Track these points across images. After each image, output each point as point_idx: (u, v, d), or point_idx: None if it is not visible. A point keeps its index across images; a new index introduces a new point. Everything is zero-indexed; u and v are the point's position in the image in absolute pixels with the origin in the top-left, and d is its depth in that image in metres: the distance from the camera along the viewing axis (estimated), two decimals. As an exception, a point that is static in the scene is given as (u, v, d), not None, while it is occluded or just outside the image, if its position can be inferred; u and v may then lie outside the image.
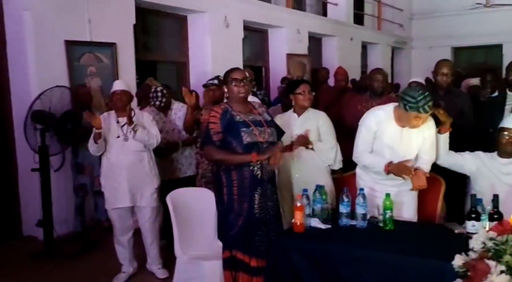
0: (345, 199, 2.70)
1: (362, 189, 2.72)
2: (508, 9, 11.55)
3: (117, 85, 3.66)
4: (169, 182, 3.99)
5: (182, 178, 4.28)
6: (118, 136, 3.54)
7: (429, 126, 2.92)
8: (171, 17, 6.48)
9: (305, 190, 2.76)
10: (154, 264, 3.79)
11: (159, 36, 6.49)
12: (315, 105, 5.03)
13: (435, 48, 12.41)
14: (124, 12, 5.33)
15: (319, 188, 2.80)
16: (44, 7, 4.57)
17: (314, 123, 3.41)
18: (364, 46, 11.16)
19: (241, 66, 7.00)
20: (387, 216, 2.62)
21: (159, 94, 4.16)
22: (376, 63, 11.39)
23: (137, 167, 3.60)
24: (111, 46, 5.17)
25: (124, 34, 5.35)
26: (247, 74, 2.89)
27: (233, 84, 2.76)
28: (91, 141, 3.53)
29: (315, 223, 2.69)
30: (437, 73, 3.82)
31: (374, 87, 4.12)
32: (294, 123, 3.42)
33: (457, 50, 12.94)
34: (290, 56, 8.20)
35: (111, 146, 3.57)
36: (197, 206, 3.27)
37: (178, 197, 3.25)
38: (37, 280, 3.82)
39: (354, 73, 8.94)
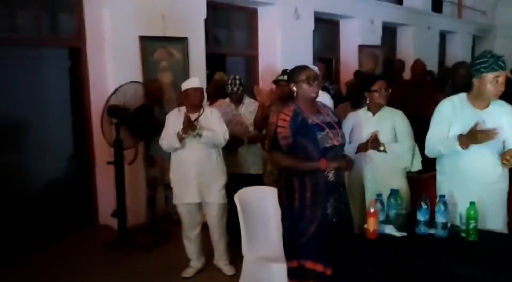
0: (424, 206, 2.51)
1: (443, 196, 2.51)
2: None
3: (190, 83, 3.67)
4: (232, 176, 3.96)
5: (246, 174, 4.24)
6: (184, 138, 3.55)
7: (507, 111, 2.73)
8: (240, 10, 6.45)
9: (379, 195, 2.61)
10: (221, 260, 3.80)
11: (229, 30, 6.50)
12: (389, 100, 4.86)
13: (523, 37, 11.48)
14: (195, 7, 5.36)
15: (394, 193, 2.64)
16: (121, 4, 4.70)
17: (390, 123, 3.20)
18: (443, 36, 10.52)
19: (311, 60, 6.87)
20: (471, 226, 2.41)
21: (237, 82, 4.15)
22: (455, 54, 10.76)
23: (206, 163, 3.61)
24: (183, 40, 5.23)
25: (195, 28, 5.39)
26: (317, 72, 2.77)
27: (304, 83, 2.63)
28: (168, 137, 3.56)
29: (389, 230, 2.54)
30: None
31: (457, 82, 3.81)
32: (368, 123, 3.23)
33: (548, 38, 11.84)
34: (362, 47, 7.90)
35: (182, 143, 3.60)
36: (265, 205, 3.22)
37: (247, 195, 3.22)
38: (110, 268, 3.98)
39: (431, 65, 8.46)
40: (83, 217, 5.07)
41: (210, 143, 3.57)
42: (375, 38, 8.21)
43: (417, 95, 4.78)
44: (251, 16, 6.55)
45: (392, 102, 4.62)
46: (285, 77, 3.91)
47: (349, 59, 7.89)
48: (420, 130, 3.34)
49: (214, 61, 6.02)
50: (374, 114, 3.26)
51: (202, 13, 5.46)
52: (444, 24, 10.25)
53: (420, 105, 4.20)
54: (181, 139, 3.51)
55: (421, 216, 2.52)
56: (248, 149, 4.20)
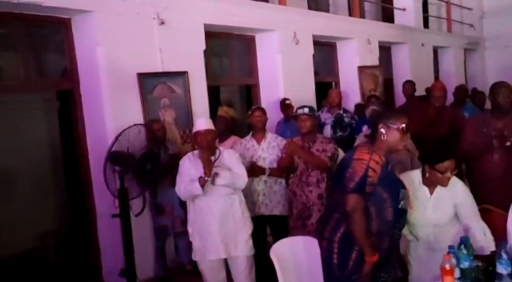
0: (504, 256, 2.16)
1: (528, 244, 2.16)
2: None
3: (201, 124, 3.33)
4: (253, 219, 3.57)
5: (269, 216, 3.87)
6: (207, 181, 3.17)
7: None
8: (238, 38, 6.15)
9: (451, 247, 2.24)
10: (251, 322, 3.37)
11: (227, 60, 6.18)
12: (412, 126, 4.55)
13: (512, 47, 11.45)
14: (194, 38, 5.04)
15: (465, 241, 2.28)
16: (115, 41, 4.34)
17: (450, 202, 2.68)
18: (435, 51, 10.40)
19: (313, 85, 6.60)
20: None
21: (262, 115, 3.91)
22: (449, 68, 10.67)
23: (229, 212, 3.23)
24: (183, 75, 4.88)
25: (195, 61, 5.05)
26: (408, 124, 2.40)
27: (399, 132, 2.31)
28: (185, 184, 3.19)
29: (468, 288, 2.17)
30: None
31: (499, 103, 3.48)
32: (423, 202, 2.71)
33: (537, 48, 11.84)
34: (361, 68, 7.66)
35: None
36: (306, 259, 2.82)
37: (284, 248, 2.83)
38: None
39: (427, 82, 8.25)
40: (84, 276, 4.58)
41: (228, 185, 3.19)
42: (373, 58, 7.99)
43: (439, 120, 4.48)
44: (249, 44, 6.25)
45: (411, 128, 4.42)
46: (306, 110, 3.60)
47: (349, 81, 7.63)
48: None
49: (210, 93, 5.67)
50: (431, 193, 2.72)
51: (201, 44, 5.13)
52: (436, 39, 10.14)
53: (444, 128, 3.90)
54: (203, 184, 3.12)
55: (503, 269, 2.16)
56: (271, 187, 3.83)
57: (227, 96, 7.53)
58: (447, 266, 2.10)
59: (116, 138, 3.74)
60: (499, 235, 2.65)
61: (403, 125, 2.31)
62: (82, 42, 4.37)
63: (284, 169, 3.71)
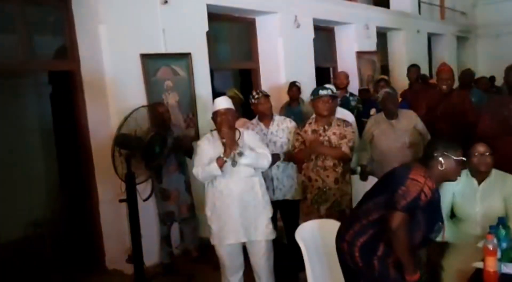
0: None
1: None
2: None
3: (220, 104, 3.18)
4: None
5: (282, 200, 3.79)
6: (226, 161, 3.05)
7: None
8: (238, 21, 5.99)
9: (492, 228, 2.18)
10: (269, 307, 3.29)
11: (227, 43, 6.03)
12: (413, 108, 4.49)
13: (503, 36, 11.55)
14: (197, 19, 4.88)
15: (502, 221, 2.22)
16: (118, 19, 4.16)
17: (500, 195, 2.68)
18: (428, 38, 10.39)
19: (313, 69, 6.50)
20: None
21: (265, 97, 3.78)
22: (442, 55, 10.68)
23: (249, 195, 3.13)
24: (186, 56, 4.73)
25: (198, 42, 4.89)
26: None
27: (459, 165, 2.27)
28: (204, 165, 3.06)
29: (510, 269, 2.11)
30: None
31: None
32: (473, 195, 2.74)
33: (528, 37, 11.94)
34: (359, 54, 7.58)
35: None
36: (327, 240, 2.74)
37: (308, 231, 2.74)
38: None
39: (422, 69, 8.23)
40: (87, 262, 4.44)
41: (253, 165, 3.09)
42: (371, 44, 7.93)
43: (447, 103, 4.42)
44: (250, 27, 6.10)
45: (417, 111, 4.36)
46: (329, 91, 3.49)
47: (347, 67, 7.49)
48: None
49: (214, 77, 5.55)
50: (480, 183, 2.76)
51: (204, 26, 4.97)
52: (431, 26, 10.12)
53: (471, 117, 3.89)
54: (221, 165, 3.00)
55: (544, 249, 2.11)
56: (284, 172, 3.74)
57: (222, 81, 7.39)
58: (491, 247, 2.04)
59: (125, 120, 3.59)
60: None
61: (462, 158, 2.27)
62: (83, 20, 4.18)
63: (300, 160, 3.61)
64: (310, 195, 3.54)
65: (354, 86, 7.25)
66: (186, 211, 4.22)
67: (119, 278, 4.17)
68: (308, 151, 3.50)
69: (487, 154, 2.71)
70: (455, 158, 2.25)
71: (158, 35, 4.49)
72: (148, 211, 4.24)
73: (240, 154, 3.01)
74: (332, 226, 2.75)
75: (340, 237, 2.42)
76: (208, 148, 3.12)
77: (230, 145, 2.97)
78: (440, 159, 2.25)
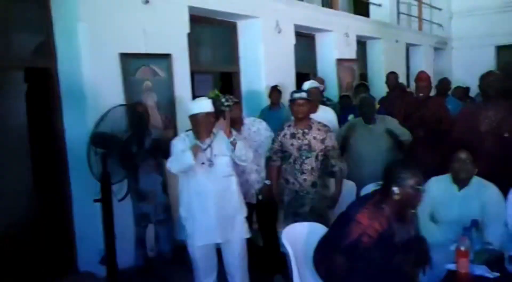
0: (516, 239, 2.15)
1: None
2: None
3: (200, 107, 3.14)
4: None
5: (258, 201, 3.78)
6: (203, 163, 3.03)
7: None
8: (220, 24, 5.99)
9: (466, 229, 2.21)
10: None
11: (209, 46, 6.01)
12: (390, 114, 4.55)
13: (477, 48, 11.82)
14: (178, 21, 4.85)
15: (475, 224, 2.26)
16: (98, 17, 4.10)
17: (478, 202, 2.70)
18: (407, 48, 10.57)
19: (294, 75, 6.53)
20: None
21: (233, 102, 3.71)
22: (419, 66, 10.82)
23: (226, 195, 3.12)
24: (167, 57, 4.69)
25: (179, 44, 4.87)
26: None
27: (412, 190, 2.22)
28: (177, 156, 3.05)
29: (481, 271, 2.14)
30: None
31: (488, 92, 3.53)
32: (453, 200, 2.76)
33: (501, 49, 12.27)
34: (339, 61, 7.66)
35: (194, 173, 3.08)
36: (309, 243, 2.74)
37: (292, 234, 2.74)
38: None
39: (400, 78, 8.37)
40: (59, 264, 4.33)
41: (241, 156, 3.11)
42: (350, 52, 8.02)
43: (424, 109, 4.51)
44: (231, 31, 6.11)
45: (395, 117, 4.43)
46: (303, 94, 3.52)
47: (327, 74, 7.61)
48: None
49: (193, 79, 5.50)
50: (460, 189, 2.80)
51: (185, 27, 4.95)
52: (409, 37, 10.31)
53: (447, 124, 4.01)
54: (196, 152, 2.99)
55: (515, 251, 2.15)
56: (261, 173, 3.73)
57: (203, 84, 7.35)
58: (463, 248, 2.07)
59: (101, 118, 3.54)
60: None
61: (416, 181, 2.23)
62: (61, 18, 4.11)
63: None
64: (287, 197, 3.54)
65: (333, 93, 7.35)
66: (162, 212, 4.17)
67: (91, 281, 4.08)
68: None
69: (468, 161, 2.74)
70: (408, 184, 2.21)
71: (138, 35, 4.44)
72: (123, 212, 4.15)
73: (233, 142, 3.02)
74: (319, 229, 2.76)
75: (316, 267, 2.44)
76: (182, 147, 3.10)
77: (227, 132, 3.00)
78: (394, 189, 2.22)
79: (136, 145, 3.71)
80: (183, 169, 3.07)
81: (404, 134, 3.94)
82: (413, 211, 2.33)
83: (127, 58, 4.31)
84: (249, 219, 3.81)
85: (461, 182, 2.80)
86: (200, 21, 5.57)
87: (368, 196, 2.41)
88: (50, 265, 4.28)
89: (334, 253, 2.23)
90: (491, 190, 2.77)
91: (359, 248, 2.16)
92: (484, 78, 3.55)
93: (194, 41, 5.56)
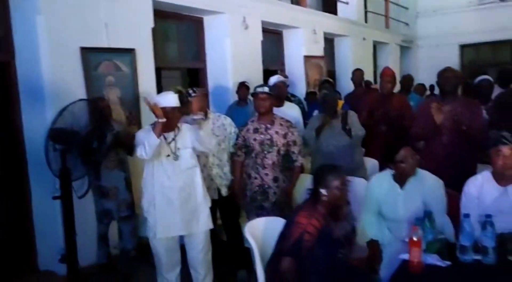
0: (467, 229, 2.21)
1: (489, 216, 2.23)
2: (517, 3, 11.31)
3: (167, 101, 3.10)
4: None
5: (221, 197, 3.77)
6: (168, 155, 3.02)
7: None
8: (185, 19, 5.94)
9: (418, 219, 2.26)
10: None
11: (174, 42, 5.95)
12: (355, 110, 4.61)
13: (442, 46, 12.12)
14: (142, 15, 4.78)
15: (428, 215, 2.32)
16: (58, 10, 4.00)
17: (420, 196, 2.74)
18: (374, 46, 10.74)
19: (261, 71, 6.54)
20: (526, 249, 2.13)
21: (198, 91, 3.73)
22: (386, 63, 10.98)
23: (190, 187, 3.12)
24: (130, 52, 4.62)
25: (143, 39, 4.80)
26: (346, 176, 2.55)
27: (337, 190, 2.44)
28: (144, 141, 3.02)
29: (433, 260, 2.19)
30: None
31: (445, 87, 3.62)
32: (397, 198, 2.80)
33: (464, 48, 12.62)
34: (307, 58, 7.72)
35: (159, 166, 3.07)
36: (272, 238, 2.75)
37: (255, 228, 2.75)
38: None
39: (367, 76, 8.51)
40: (18, 262, 4.21)
41: (205, 143, 3.13)
42: (318, 49, 8.09)
43: (387, 104, 4.59)
44: (197, 27, 6.07)
45: (360, 111, 4.49)
46: (265, 89, 3.53)
47: (295, 70, 7.67)
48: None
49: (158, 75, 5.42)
50: (402, 187, 2.82)
51: (150, 22, 4.89)
52: (376, 35, 10.47)
53: (406, 119, 4.11)
54: (159, 130, 2.96)
55: (466, 241, 2.21)
56: (222, 169, 3.72)
57: (169, 80, 7.29)
58: (415, 238, 2.12)
59: (60, 113, 3.46)
60: (452, 214, 2.74)
61: (341, 182, 2.44)
62: (19, 10, 4.00)
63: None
64: (250, 192, 3.55)
65: (301, 90, 7.40)
66: (125, 209, 4.11)
67: (51, 279, 3.99)
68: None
69: (412, 157, 2.75)
70: (332, 185, 2.43)
71: (100, 28, 4.36)
72: (85, 209, 4.07)
73: (202, 120, 3.08)
74: (281, 224, 2.76)
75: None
76: (147, 137, 3.06)
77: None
78: (322, 191, 2.44)
79: (97, 140, 3.63)
80: (151, 151, 3.00)
81: (359, 130, 3.98)
82: (345, 209, 2.53)
83: (88, 53, 4.23)
84: (212, 215, 3.81)
85: (402, 180, 2.80)
86: (165, 16, 5.52)
87: (305, 200, 2.61)
88: (9, 264, 4.16)
89: (281, 256, 2.38)
90: (431, 183, 2.79)
91: (302, 247, 2.31)
92: (442, 74, 3.63)
93: (159, 36, 5.51)
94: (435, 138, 3.54)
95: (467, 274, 2.12)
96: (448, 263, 2.20)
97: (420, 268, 2.12)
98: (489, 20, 11.41)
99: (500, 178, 2.61)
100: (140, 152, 3.03)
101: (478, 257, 2.21)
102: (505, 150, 2.52)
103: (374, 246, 2.80)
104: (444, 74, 3.62)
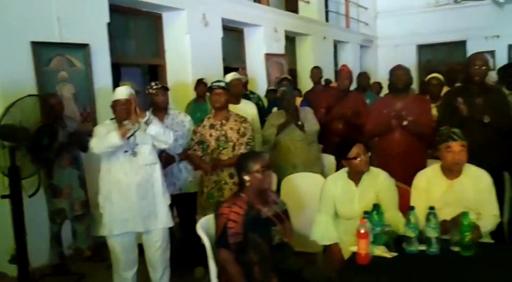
0: (412, 220, 2.27)
1: (432, 208, 2.30)
2: (471, 5, 11.71)
3: (120, 93, 3.05)
4: None
5: (178, 194, 3.74)
6: (126, 151, 2.98)
7: (482, 178, 2.68)
8: (144, 15, 5.85)
9: (367, 213, 2.31)
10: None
11: (133, 38, 5.85)
12: (311, 107, 4.66)
13: (400, 46, 12.42)
14: (96, 9, 4.68)
15: (377, 208, 2.37)
16: (6, 3, 3.87)
17: (374, 192, 2.79)
18: (335, 45, 10.91)
19: (221, 68, 6.51)
20: (467, 239, 2.21)
21: (161, 89, 3.68)
22: (346, 62, 11.15)
23: (148, 183, 3.06)
24: (84, 47, 4.51)
25: (98, 34, 4.70)
26: (267, 160, 2.65)
27: (259, 174, 2.50)
28: (102, 138, 2.96)
29: (380, 251, 2.25)
30: (471, 65, 3.41)
31: (397, 85, 3.71)
32: (352, 195, 2.83)
33: (421, 48, 12.98)
34: (268, 56, 7.75)
35: (116, 162, 3.01)
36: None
37: (209, 224, 2.73)
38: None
39: (328, 74, 8.63)
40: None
41: (159, 135, 3.02)
42: (279, 47, 8.13)
43: (344, 102, 4.67)
44: (156, 23, 5.98)
45: (317, 109, 4.56)
46: (221, 84, 3.53)
47: (256, 68, 7.69)
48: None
49: (116, 71, 5.32)
50: (356, 184, 2.85)
51: (105, 16, 4.79)
52: (337, 34, 10.62)
53: (359, 116, 4.22)
54: (124, 133, 2.90)
55: (411, 232, 2.27)
56: (178, 164, 3.70)
57: (129, 76, 7.16)
58: (362, 230, 2.16)
59: (7, 109, 3.34)
60: (404, 208, 2.81)
61: (261, 165, 2.51)
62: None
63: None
64: (207, 189, 3.53)
65: (262, 88, 7.42)
66: (79, 208, 4.03)
67: (2, 281, 3.85)
68: (205, 166, 3.49)
69: (364, 154, 2.78)
70: (253, 170, 2.50)
71: (52, 22, 4.24)
72: (37, 208, 3.97)
73: (148, 122, 2.94)
74: None
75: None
76: (106, 132, 3.01)
77: (139, 113, 2.91)
78: (245, 177, 2.52)
79: (48, 137, 3.52)
80: (107, 148, 2.94)
81: (313, 125, 4.02)
82: (271, 193, 2.64)
83: (39, 47, 4.11)
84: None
85: (356, 177, 2.84)
86: (122, 11, 5.42)
87: (233, 193, 2.72)
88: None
89: (216, 250, 2.46)
90: (382, 178, 2.85)
91: (229, 235, 2.39)
92: (393, 72, 3.72)
93: (116, 32, 5.41)
94: (387, 135, 3.62)
95: (412, 265, 2.19)
96: (395, 254, 2.26)
97: (367, 259, 2.16)
98: (444, 22, 11.78)
99: (448, 172, 2.70)
100: (93, 145, 2.98)
101: (422, 248, 2.28)
102: (455, 145, 2.60)
103: (334, 249, 2.78)
104: (395, 72, 3.71)
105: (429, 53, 13.06)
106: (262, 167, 2.52)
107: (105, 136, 2.93)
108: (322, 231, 2.84)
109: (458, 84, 4.60)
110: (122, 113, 2.97)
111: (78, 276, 3.86)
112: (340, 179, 2.89)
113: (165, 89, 3.81)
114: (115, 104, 3.04)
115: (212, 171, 3.44)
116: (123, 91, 3.07)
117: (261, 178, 2.51)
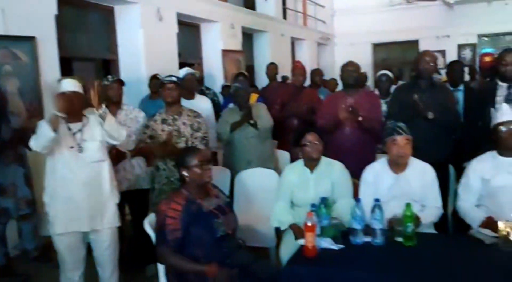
0: (358, 213, 2.31)
1: (378, 200, 2.35)
2: (423, 6, 12.08)
3: (66, 85, 2.89)
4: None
5: (129, 191, 3.66)
6: (72, 147, 2.85)
7: (426, 171, 2.77)
8: (95, 8, 5.68)
9: (314, 206, 2.33)
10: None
11: (83, 31, 5.67)
12: (267, 104, 4.68)
13: (356, 45, 12.67)
14: (43, 1, 4.50)
15: (324, 201, 2.40)
16: None
17: (329, 181, 2.89)
18: (292, 42, 11.00)
19: (177, 64, 6.43)
20: (409, 229, 2.27)
21: (115, 83, 3.62)
22: (304, 59, 11.28)
23: (96, 181, 2.94)
24: (30, 40, 4.33)
25: (45, 26, 4.52)
26: (208, 155, 2.68)
27: (198, 168, 2.48)
28: (41, 133, 2.79)
29: (327, 243, 2.27)
30: (420, 61, 3.52)
31: (347, 81, 3.77)
32: (308, 183, 2.92)
33: (376, 46, 13.29)
34: (225, 52, 7.71)
35: (61, 158, 2.87)
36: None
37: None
38: None
39: (285, 70, 8.69)
40: None
41: (113, 131, 2.91)
42: (236, 43, 8.12)
43: (299, 98, 4.71)
44: (107, 16, 5.83)
45: (272, 105, 4.58)
46: (173, 78, 3.48)
47: (212, 64, 7.64)
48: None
49: (65, 66, 5.13)
50: (312, 171, 2.95)
51: (52, 8, 4.61)
52: (294, 31, 10.71)
53: (313, 110, 4.22)
54: (55, 127, 2.74)
55: (357, 225, 2.31)
56: (129, 161, 3.61)
57: (82, 71, 6.95)
58: (309, 223, 2.18)
59: None
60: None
61: (199, 160, 2.51)
62: None
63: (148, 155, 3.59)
64: (158, 185, 3.47)
65: (218, 84, 7.38)
66: (25, 207, 3.86)
67: None
68: (159, 151, 3.42)
69: (317, 142, 2.88)
70: (191, 164, 2.50)
71: (-5, 14, 4.05)
72: (-21, 209, 3.79)
73: (103, 115, 2.83)
74: None
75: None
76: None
77: (96, 103, 2.81)
78: (183, 173, 2.53)
79: (-11, 133, 3.36)
80: (43, 143, 2.79)
81: (266, 121, 4.03)
82: (211, 187, 2.63)
83: (-19, 39, 3.91)
84: (121, 209, 3.69)
85: (312, 164, 2.94)
86: (71, 3, 5.24)
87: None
88: None
89: (158, 249, 2.44)
90: (338, 168, 2.96)
91: (167, 231, 2.37)
92: (344, 68, 3.78)
93: (65, 25, 5.23)
94: (338, 130, 3.68)
95: (357, 255, 2.23)
96: (342, 246, 2.29)
97: (314, 252, 2.18)
98: (398, 21, 12.11)
99: (395, 166, 2.77)
100: (31, 142, 2.84)
101: (368, 239, 2.32)
102: (399, 139, 2.68)
103: (294, 228, 2.79)
104: (346, 68, 3.78)
105: (384, 51, 13.39)
106: (201, 161, 2.51)
107: (40, 131, 2.79)
108: (280, 216, 2.89)
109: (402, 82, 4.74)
110: (67, 107, 2.84)
111: (23, 277, 3.72)
112: (297, 167, 3.00)
113: (121, 82, 3.72)
114: (59, 97, 2.89)
115: (165, 154, 3.39)
116: (69, 84, 2.91)
117: (199, 172, 2.49)
